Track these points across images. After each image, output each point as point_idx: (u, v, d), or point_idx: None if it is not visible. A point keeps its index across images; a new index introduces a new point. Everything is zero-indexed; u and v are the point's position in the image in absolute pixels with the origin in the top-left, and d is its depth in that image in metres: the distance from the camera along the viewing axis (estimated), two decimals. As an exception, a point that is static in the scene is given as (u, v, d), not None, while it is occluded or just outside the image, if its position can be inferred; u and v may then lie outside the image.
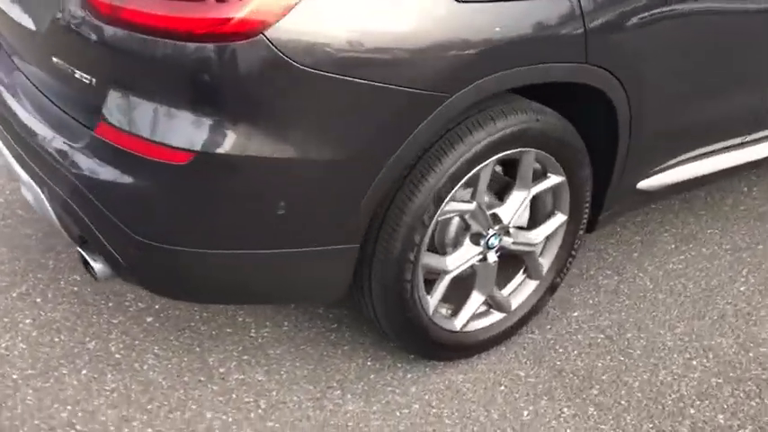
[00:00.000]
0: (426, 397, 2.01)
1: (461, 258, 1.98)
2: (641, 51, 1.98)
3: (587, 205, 2.16)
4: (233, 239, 1.61)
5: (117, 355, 2.06)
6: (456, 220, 1.98)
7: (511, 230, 2.06)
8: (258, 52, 1.43)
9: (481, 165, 1.83)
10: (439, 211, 1.81)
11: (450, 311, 2.08)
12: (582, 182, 2.09)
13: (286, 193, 1.58)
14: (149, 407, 1.91)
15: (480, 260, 2.02)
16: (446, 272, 1.96)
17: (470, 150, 1.78)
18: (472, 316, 2.08)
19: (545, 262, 2.20)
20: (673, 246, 2.76)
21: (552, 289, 2.25)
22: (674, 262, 2.67)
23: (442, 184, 1.77)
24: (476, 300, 2.08)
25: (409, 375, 2.07)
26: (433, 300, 1.97)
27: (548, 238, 2.18)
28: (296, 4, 1.44)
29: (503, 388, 2.07)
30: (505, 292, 2.18)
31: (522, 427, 1.95)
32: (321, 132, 1.56)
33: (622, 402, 2.04)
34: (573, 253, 2.22)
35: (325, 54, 1.49)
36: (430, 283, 1.97)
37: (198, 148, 1.47)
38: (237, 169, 1.51)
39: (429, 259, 1.90)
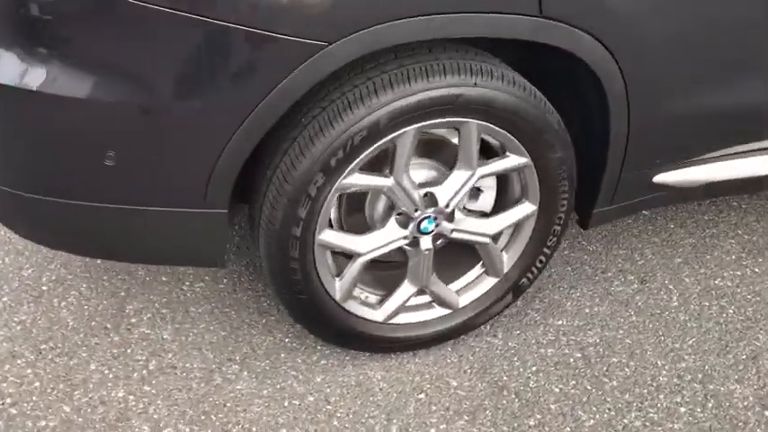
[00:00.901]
0: (328, 390, 1.76)
1: (380, 240, 1.67)
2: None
3: (565, 196, 1.74)
4: (61, 188, 1.44)
5: (44, 287, 2.01)
6: (384, 197, 1.67)
7: (456, 215, 1.72)
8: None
9: (392, 135, 1.50)
10: (336, 184, 1.52)
11: (378, 299, 1.80)
12: (553, 166, 1.68)
13: (114, 143, 1.37)
14: (42, 347, 1.84)
15: (411, 245, 1.71)
16: (357, 254, 1.67)
17: (370, 116, 1.46)
18: (401, 307, 1.78)
19: (508, 258, 1.82)
20: (733, 256, 2.23)
21: (516, 291, 1.87)
22: (725, 277, 2.15)
23: (331, 151, 1.47)
24: (405, 290, 1.77)
25: (323, 362, 1.83)
26: (341, 283, 1.69)
27: (515, 231, 1.80)
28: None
29: (422, 396, 1.76)
30: (455, 286, 1.84)
31: (418, 449, 1.65)
32: (152, 76, 1.33)
33: (559, 444, 1.67)
34: (546, 251, 1.82)
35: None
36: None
37: (3, 80, 1.30)
38: (48, 108, 1.33)
39: (332, 237, 1.62)
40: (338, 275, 1.70)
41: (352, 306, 1.74)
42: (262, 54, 1.34)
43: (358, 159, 1.51)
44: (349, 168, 1.52)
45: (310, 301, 1.67)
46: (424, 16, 1.38)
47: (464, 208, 1.79)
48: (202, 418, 1.68)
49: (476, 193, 1.81)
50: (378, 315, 1.77)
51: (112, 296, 1.99)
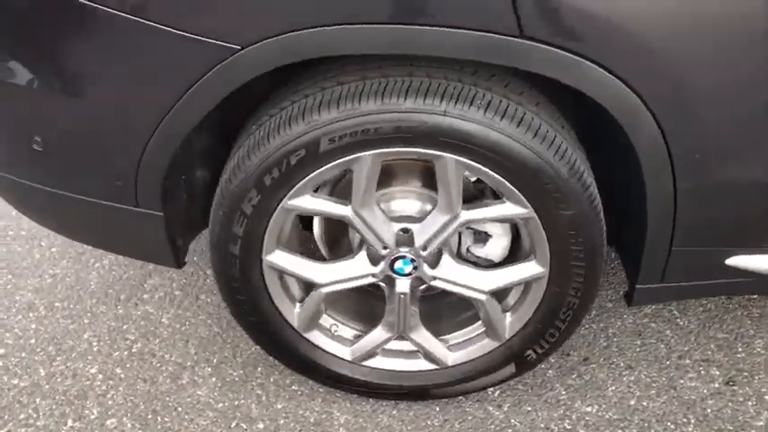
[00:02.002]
0: (282, 422, 1.59)
1: (343, 273, 1.45)
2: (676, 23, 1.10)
3: (580, 264, 1.36)
4: (6, 164, 1.42)
5: (87, 246, 2.07)
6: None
7: (444, 260, 1.43)
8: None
9: (342, 159, 1.26)
10: (280, 204, 1.33)
11: (355, 335, 1.57)
12: (563, 225, 1.31)
13: (39, 128, 1.31)
14: (57, 304, 1.89)
15: (386, 284, 1.46)
16: (315, 284, 1.46)
17: (309, 134, 1.23)
18: (376, 350, 1.55)
19: (511, 322, 1.49)
20: None
21: (521, 363, 1.52)
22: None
23: (265, 168, 1.28)
24: (378, 335, 1.52)
25: (293, 388, 1.66)
26: (300, 311, 1.50)
27: (524, 292, 1.46)
28: None
29: (376, 457, 1.53)
30: (450, 339, 1.55)
31: None
32: (69, 67, 1.25)
33: None
34: (558, 324, 1.45)
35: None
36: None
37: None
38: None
39: (283, 261, 1.42)
40: (301, 301, 1.51)
41: (317, 337, 1.54)
42: (174, 54, 1.18)
43: (304, 180, 1.30)
44: (294, 189, 1.31)
45: (263, 325, 1.51)
46: (349, 26, 1.11)
47: (468, 251, 1.49)
48: (149, 417, 1.61)
49: (484, 237, 1.49)
50: (347, 353, 1.55)
51: (141, 268, 2.00)
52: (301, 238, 1.61)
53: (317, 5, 1.11)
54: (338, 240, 1.55)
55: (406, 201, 1.43)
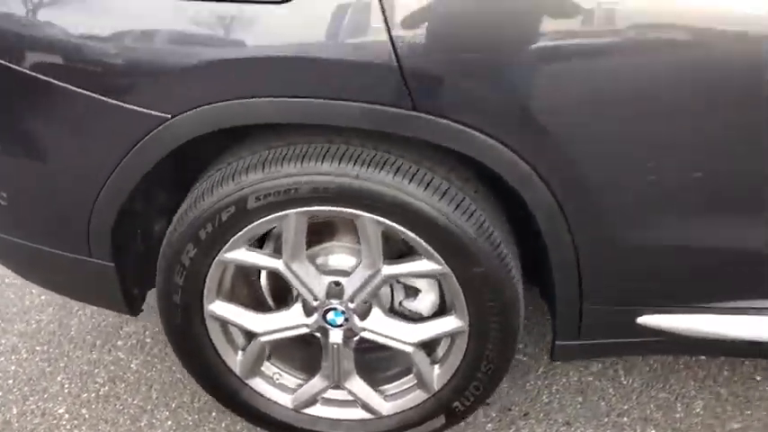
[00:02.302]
0: (224, 464, 1.68)
1: (279, 323, 1.55)
2: (562, 99, 1.20)
3: (494, 319, 1.43)
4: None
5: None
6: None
7: (374, 313, 1.52)
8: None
9: (269, 216, 1.38)
10: (217, 257, 1.45)
11: (298, 384, 1.66)
12: (476, 282, 1.39)
13: (3, 185, 1.47)
14: (38, 348, 2.03)
15: (321, 335, 1.55)
16: (254, 333, 1.56)
17: (237, 193, 1.36)
18: (316, 399, 1.63)
19: (439, 374, 1.56)
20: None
21: (450, 415, 1.59)
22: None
23: (200, 223, 1.40)
24: (316, 383, 1.61)
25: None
26: (242, 359, 1.60)
27: (451, 346, 1.54)
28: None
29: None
30: (387, 390, 1.63)
31: None
32: (18, 131, 1.40)
33: None
34: (480, 377, 1.52)
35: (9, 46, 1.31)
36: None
37: None
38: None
39: (223, 311, 1.53)
40: (244, 349, 1.61)
41: (260, 385, 1.64)
42: (114, 121, 1.32)
43: (237, 235, 1.41)
44: (228, 243, 1.43)
45: (208, 372, 1.61)
46: (271, 98, 1.24)
47: (400, 305, 1.58)
48: (105, 455, 1.72)
49: (415, 292, 1.58)
50: (288, 401, 1.64)
51: (118, 316, 2.13)
52: (253, 288, 1.72)
53: (229, 82, 1.25)
54: (283, 291, 1.65)
55: (342, 256, 1.54)
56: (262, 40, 1.23)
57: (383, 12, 1.15)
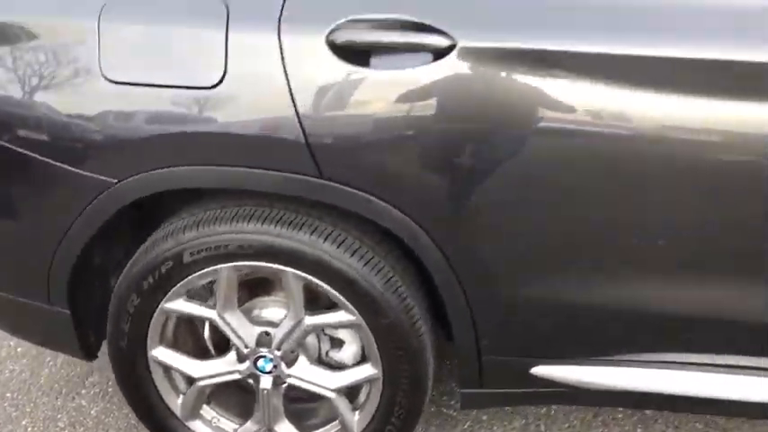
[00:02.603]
0: (167, 503, 1.81)
1: (215, 369, 1.72)
2: (448, 179, 1.40)
3: (404, 367, 1.60)
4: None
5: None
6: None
7: (300, 361, 1.69)
8: None
9: (204, 269, 1.57)
10: (159, 306, 1.63)
11: (234, 428, 1.81)
12: (384, 332, 1.57)
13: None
14: (8, 394, 2.19)
15: (253, 381, 1.72)
16: (192, 378, 1.73)
17: (175, 248, 1.55)
18: (248, 443, 1.78)
19: (359, 420, 1.71)
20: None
21: (367, 456, 1.73)
22: None
23: (143, 275, 1.59)
24: (249, 428, 1.77)
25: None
26: (182, 402, 1.76)
27: (370, 393, 1.70)
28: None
29: None
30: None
31: None
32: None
33: None
34: (394, 421, 1.67)
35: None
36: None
37: None
38: None
39: (165, 356, 1.71)
40: (185, 393, 1.77)
41: (199, 427, 1.79)
42: (67, 184, 1.54)
43: (177, 286, 1.60)
44: (169, 294, 1.61)
45: (151, 413, 1.77)
46: (204, 166, 1.46)
47: (327, 355, 1.75)
48: (57, 493, 1.86)
49: (339, 343, 1.75)
50: (216, 439, 1.79)
51: (85, 367, 2.30)
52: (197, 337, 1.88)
53: (169, 152, 1.46)
54: (225, 340, 1.82)
55: (273, 309, 1.71)
56: (195, 119, 1.44)
57: (292, 98, 1.37)
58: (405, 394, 1.63)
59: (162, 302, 1.63)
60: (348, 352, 1.74)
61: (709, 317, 1.49)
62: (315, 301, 1.63)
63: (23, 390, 2.22)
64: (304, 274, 1.54)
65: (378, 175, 1.42)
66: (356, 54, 1.35)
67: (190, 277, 1.59)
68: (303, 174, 1.42)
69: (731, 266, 1.44)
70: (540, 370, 1.59)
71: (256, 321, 1.68)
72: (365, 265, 1.52)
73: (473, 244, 1.46)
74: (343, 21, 1.35)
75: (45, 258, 1.63)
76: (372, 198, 1.42)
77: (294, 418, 1.77)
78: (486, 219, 1.44)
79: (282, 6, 1.37)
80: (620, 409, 2.01)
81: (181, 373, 1.74)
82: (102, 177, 1.50)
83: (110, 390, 2.20)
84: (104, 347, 1.83)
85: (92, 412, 2.12)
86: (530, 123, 1.35)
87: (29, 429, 2.07)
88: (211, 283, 1.63)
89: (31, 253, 1.65)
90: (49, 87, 1.49)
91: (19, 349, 2.40)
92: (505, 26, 1.33)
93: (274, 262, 1.54)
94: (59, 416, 2.11)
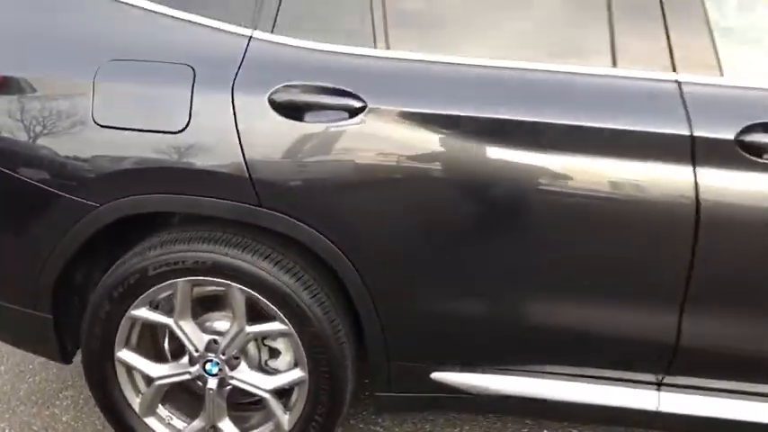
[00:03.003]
0: (122, 491, 2.09)
1: (171, 370, 2.04)
2: (361, 210, 1.78)
3: (325, 369, 1.92)
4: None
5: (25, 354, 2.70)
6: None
7: (241, 365, 2.01)
8: None
9: (165, 282, 1.92)
10: (126, 314, 1.97)
11: (183, 426, 2.12)
12: (309, 339, 1.90)
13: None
14: (-10, 403, 2.49)
15: (201, 382, 2.03)
16: (150, 378, 2.05)
17: (140, 264, 1.91)
18: (196, 440, 2.08)
19: (289, 419, 2.02)
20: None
21: (296, 450, 2.03)
22: None
23: (114, 286, 1.93)
24: (197, 424, 2.07)
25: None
26: (140, 400, 2.07)
27: (298, 394, 2.01)
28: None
29: None
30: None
31: None
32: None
33: None
34: (318, 419, 1.98)
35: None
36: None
37: None
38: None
39: (128, 358, 2.03)
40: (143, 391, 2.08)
41: (154, 423, 2.09)
42: (61, 207, 1.90)
43: (142, 296, 1.94)
44: (135, 302, 1.95)
45: (113, 407, 2.08)
46: (163, 195, 1.84)
47: (266, 363, 2.07)
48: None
49: (277, 353, 2.07)
50: (170, 432, 2.09)
51: (62, 383, 2.60)
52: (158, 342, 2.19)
53: (140, 183, 1.84)
54: (181, 347, 2.13)
55: (223, 321, 2.04)
56: (161, 156, 1.82)
57: (240, 143, 1.76)
58: (327, 394, 1.95)
59: (129, 310, 1.97)
60: (283, 361, 2.06)
61: (579, 334, 1.84)
62: (257, 315, 1.97)
63: (3, 400, 2.51)
64: (246, 288, 1.89)
65: (305, 205, 1.79)
66: (291, 110, 1.75)
67: (152, 289, 1.93)
68: (246, 203, 1.80)
69: (591, 290, 1.80)
70: (439, 375, 1.92)
71: (207, 330, 2.01)
72: (297, 281, 1.87)
73: (381, 266, 1.82)
74: (281, 85, 1.75)
75: (36, 268, 1.97)
76: (300, 224, 1.79)
77: (236, 421, 2.07)
78: (387, 247, 1.81)
79: (236, 73, 1.78)
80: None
81: (141, 374, 2.06)
82: (89, 202, 1.87)
83: (80, 402, 2.50)
84: (78, 360, 2.16)
85: (63, 419, 2.42)
86: (417, 168, 1.74)
87: (6, 431, 2.36)
88: (171, 296, 1.99)
89: (24, 263, 1.99)
90: (51, 129, 1.87)
91: (2, 367, 2.70)
92: (403, 94, 1.74)
93: (221, 277, 1.89)
94: (34, 421, 2.40)
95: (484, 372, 1.91)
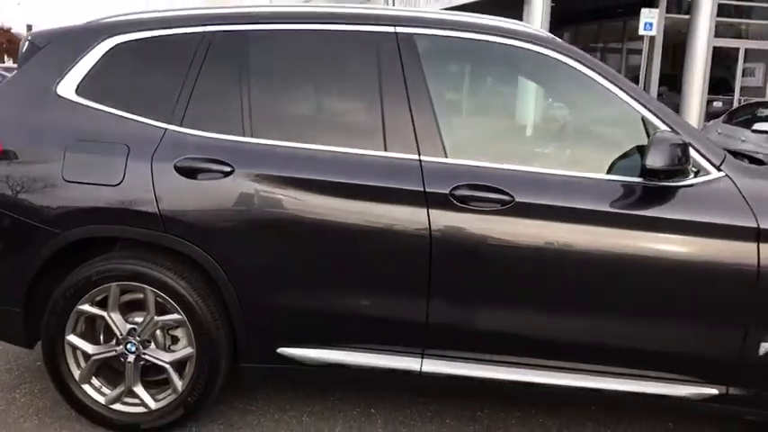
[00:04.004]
0: (62, 438, 2.99)
1: (102, 350, 2.99)
2: (223, 222, 2.82)
3: (207, 348, 2.89)
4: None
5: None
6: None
7: (152, 346, 2.97)
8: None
9: (104, 285, 2.90)
10: (75, 308, 2.93)
11: (110, 391, 3.03)
12: (198, 325, 2.88)
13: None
14: (-32, 389, 3.37)
15: (124, 358, 2.97)
16: (88, 354, 2.98)
17: (86, 272, 2.90)
18: (118, 399, 3.00)
19: (182, 383, 2.96)
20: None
21: (185, 405, 2.96)
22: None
23: (67, 287, 2.91)
24: (118, 390, 3.00)
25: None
26: (79, 372, 3.00)
27: (190, 366, 2.96)
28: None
29: (102, 452, 2.89)
30: (157, 395, 3.01)
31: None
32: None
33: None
34: (201, 382, 2.93)
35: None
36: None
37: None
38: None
39: (74, 340, 2.97)
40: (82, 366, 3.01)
41: (88, 389, 3.01)
42: (35, 233, 2.90)
43: (86, 296, 2.91)
44: (82, 299, 2.92)
45: (61, 379, 2.99)
46: (89, 225, 2.86)
47: (169, 348, 3.02)
48: (-6, 431, 3.01)
49: (176, 339, 3.03)
50: (103, 400, 3.00)
51: (20, 377, 3.48)
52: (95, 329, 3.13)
53: (89, 217, 2.86)
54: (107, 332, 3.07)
55: (141, 316, 2.99)
56: (105, 200, 2.85)
57: (155, 192, 2.80)
58: (208, 364, 2.91)
59: (76, 305, 2.93)
60: (180, 345, 3.02)
61: (364, 319, 2.84)
62: (161, 311, 2.95)
63: (-22, 388, 3.40)
64: (155, 290, 2.88)
65: (194, 232, 2.81)
66: (188, 172, 2.82)
67: (95, 290, 2.91)
68: (157, 231, 2.82)
69: (371, 292, 2.83)
70: (283, 350, 2.89)
71: (129, 321, 2.97)
72: (188, 285, 2.87)
73: (242, 272, 2.83)
74: (183, 157, 2.82)
75: (18, 277, 2.94)
76: (190, 244, 2.81)
77: (146, 386, 3.01)
78: (246, 260, 2.82)
79: (155, 149, 2.85)
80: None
81: (82, 352, 3.00)
82: (55, 230, 2.87)
83: (37, 392, 3.39)
84: (36, 356, 3.08)
85: (20, 399, 3.31)
86: (264, 208, 2.79)
87: (-21, 405, 3.24)
88: (106, 297, 2.96)
89: (6, 271, 2.97)
90: (32, 184, 2.90)
91: (-22, 370, 3.59)
92: (257, 163, 2.82)
93: (139, 281, 2.88)
94: None
95: (312, 348, 2.89)
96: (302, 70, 3.01)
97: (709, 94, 17.81)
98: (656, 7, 16.77)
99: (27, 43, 3.17)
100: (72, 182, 2.87)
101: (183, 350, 2.95)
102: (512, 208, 2.70)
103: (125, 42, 3.03)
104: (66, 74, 3.01)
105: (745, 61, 20.48)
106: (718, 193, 2.68)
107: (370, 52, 2.90)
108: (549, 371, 2.80)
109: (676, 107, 16.63)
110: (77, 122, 2.96)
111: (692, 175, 2.70)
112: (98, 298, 2.94)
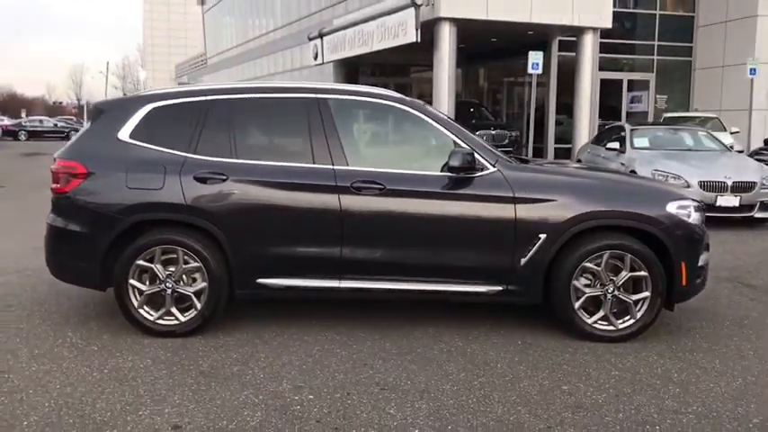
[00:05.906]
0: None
1: (151, 288, 5.06)
2: (222, 207, 4.97)
3: (217, 282, 5.01)
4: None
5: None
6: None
7: (182, 283, 5.06)
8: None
9: (150, 249, 4.98)
10: (134, 263, 5.00)
11: (156, 311, 5.10)
12: (209, 269, 4.99)
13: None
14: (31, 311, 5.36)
15: (165, 292, 5.05)
16: (141, 291, 5.05)
17: (139, 243, 4.98)
18: (160, 318, 5.07)
19: (200, 305, 5.05)
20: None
21: (203, 317, 5.05)
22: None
23: (130, 251, 4.99)
24: (161, 311, 5.07)
25: (141, 340, 5.10)
26: (137, 301, 5.05)
27: (204, 294, 5.06)
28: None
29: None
30: (185, 312, 5.09)
31: (142, 354, 4.85)
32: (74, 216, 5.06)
33: (183, 358, 4.77)
34: (212, 306, 5.03)
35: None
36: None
37: None
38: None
39: (134, 282, 5.04)
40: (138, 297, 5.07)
41: (143, 312, 5.06)
42: (110, 220, 4.97)
43: (142, 255, 4.98)
44: (138, 257, 4.99)
45: (126, 305, 5.04)
46: (153, 213, 4.98)
47: (191, 284, 5.12)
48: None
49: (194, 280, 5.12)
50: (151, 318, 5.06)
51: (80, 316, 5.48)
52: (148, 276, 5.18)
53: (140, 210, 4.95)
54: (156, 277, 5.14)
55: (174, 267, 5.09)
56: (152, 199, 4.95)
57: (182, 190, 4.93)
58: (216, 293, 5.02)
59: (135, 260, 5.00)
60: (198, 282, 5.11)
61: (302, 258, 5.01)
62: (187, 262, 5.05)
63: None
64: (184, 249, 4.99)
65: (205, 212, 4.94)
66: (201, 180, 4.96)
67: (146, 251, 5.00)
68: (183, 214, 4.95)
69: (307, 241, 5.00)
70: (260, 280, 5.03)
71: (167, 270, 5.06)
72: (203, 246, 4.99)
73: (235, 234, 4.95)
74: (199, 171, 4.97)
75: (97, 246, 5.01)
76: (203, 219, 4.94)
77: (179, 310, 5.09)
78: (237, 226, 4.96)
79: (181, 168, 4.97)
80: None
81: (138, 290, 5.06)
82: (122, 217, 4.96)
83: (107, 320, 5.39)
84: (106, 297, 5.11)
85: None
86: (246, 195, 4.96)
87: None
88: (153, 256, 5.03)
89: (92, 243, 5.03)
90: (107, 191, 5.00)
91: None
92: (242, 174, 4.98)
93: (174, 245, 4.98)
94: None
95: (276, 278, 5.03)
96: (264, 120, 5.23)
97: (601, 119, 20.66)
98: (547, 50, 19.60)
99: (93, 107, 5.31)
100: (132, 188, 4.97)
101: (200, 284, 5.05)
102: (384, 192, 4.93)
103: (159, 107, 5.17)
104: (123, 126, 5.13)
105: (630, 90, 23.62)
106: (493, 179, 5.00)
107: (303, 109, 5.14)
108: (406, 282, 5.03)
109: (571, 132, 19.42)
110: (133, 154, 5.07)
111: (479, 171, 4.99)
112: (148, 256, 5.02)
